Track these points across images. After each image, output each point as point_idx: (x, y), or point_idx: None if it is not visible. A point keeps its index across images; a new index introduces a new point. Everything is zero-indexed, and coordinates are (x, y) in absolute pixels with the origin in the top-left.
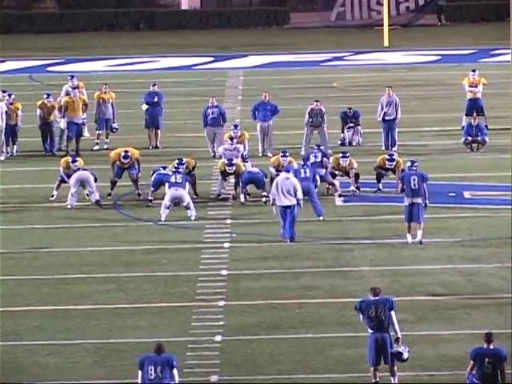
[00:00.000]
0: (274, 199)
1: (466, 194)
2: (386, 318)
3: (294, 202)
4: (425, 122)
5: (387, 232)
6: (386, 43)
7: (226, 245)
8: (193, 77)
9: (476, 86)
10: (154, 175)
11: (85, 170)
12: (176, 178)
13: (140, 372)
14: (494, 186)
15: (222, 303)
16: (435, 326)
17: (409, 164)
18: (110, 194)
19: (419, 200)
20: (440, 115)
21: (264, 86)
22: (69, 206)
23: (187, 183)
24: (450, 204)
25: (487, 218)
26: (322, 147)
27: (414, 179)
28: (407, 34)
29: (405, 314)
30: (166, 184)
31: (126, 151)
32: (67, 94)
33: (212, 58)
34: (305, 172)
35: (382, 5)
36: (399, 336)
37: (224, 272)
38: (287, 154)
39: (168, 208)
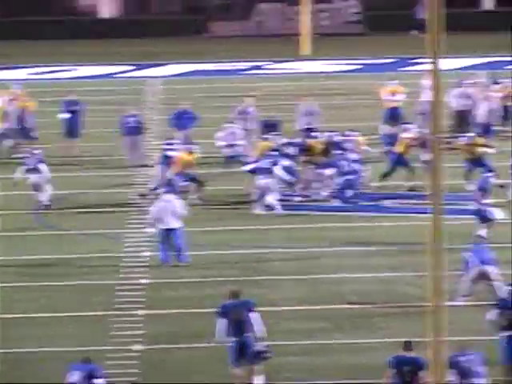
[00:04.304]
0: (153, 221)
1: (385, 203)
2: (247, 320)
3: (178, 224)
4: (344, 131)
5: (307, 240)
6: (305, 52)
7: (146, 253)
8: (112, 85)
9: (395, 95)
10: None
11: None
12: None
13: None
14: (412, 195)
15: (141, 312)
16: (354, 334)
17: None
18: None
19: None
20: (359, 124)
21: (183, 95)
22: None
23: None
24: (369, 212)
25: (404, 227)
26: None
27: None
28: (327, 43)
29: (324, 323)
30: None
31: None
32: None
33: (132, 67)
34: None
35: (301, 14)
36: (260, 336)
37: (144, 281)
38: None
39: None
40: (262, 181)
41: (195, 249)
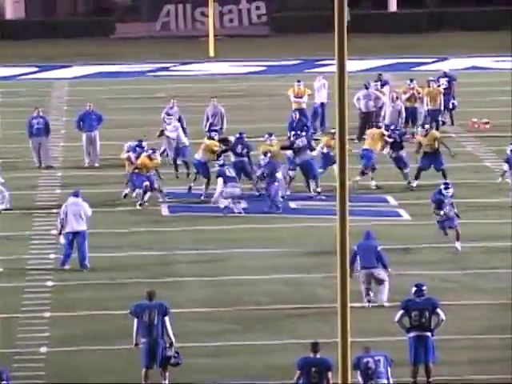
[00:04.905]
0: (61, 226)
1: (292, 204)
2: (158, 324)
3: (84, 227)
4: (252, 133)
5: (214, 242)
6: (211, 54)
7: (52, 256)
8: (17, 87)
9: (301, 97)
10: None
11: None
12: (230, 171)
13: None
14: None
15: (47, 314)
16: (262, 335)
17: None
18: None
19: None
20: (266, 125)
21: (89, 97)
22: None
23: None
24: (275, 214)
25: (312, 228)
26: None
27: None
28: (233, 45)
29: (231, 324)
30: (220, 178)
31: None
32: None
33: (37, 69)
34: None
35: (207, 16)
36: (173, 341)
37: (49, 283)
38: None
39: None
40: (230, 189)
41: (101, 251)
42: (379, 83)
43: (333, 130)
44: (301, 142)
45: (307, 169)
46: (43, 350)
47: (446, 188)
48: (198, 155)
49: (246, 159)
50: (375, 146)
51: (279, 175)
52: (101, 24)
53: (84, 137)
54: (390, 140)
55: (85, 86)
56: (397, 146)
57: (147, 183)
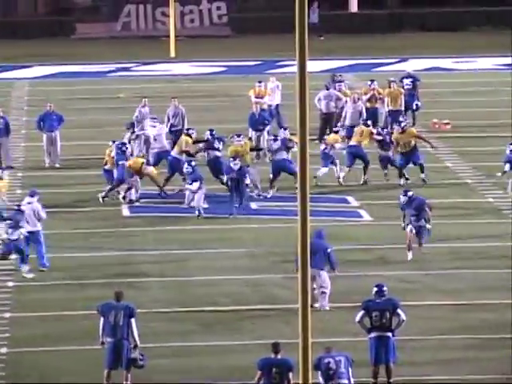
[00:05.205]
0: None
1: (253, 205)
2: (124, 325)
3: (39, 227)
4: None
5: (174, 243)
6: (172, 54)
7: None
8: None
9: (262, 97)
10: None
11: None
12: None
13: None
14: (279, 197)
15: (7, 315)
16: (222, 336)
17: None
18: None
19: None
20: (227, 126)
21: (50, 97)
22: None
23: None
24: (236, 215)
25: (273, 229)
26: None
27: None
28: (194, 45)
29: (193, 325)
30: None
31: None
32: None
33: None
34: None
35: (168, 16)
36: (137, 343)
37: (10, 283)
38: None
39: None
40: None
41: (62, 251)
42: (342, 84)
43: (336, 129)
44: (276, 144)
45: (283, 168)
46: (3, 350)
47: (404, 195)
48: (174, 152)
49: (220, 154)
50: (362, 143)
51: (248, 181)
52: (61, 24)
53: (44, 137)
54: (379, 138)
55: (45, 86)
56: (385, 145)
57: (134, 182)
